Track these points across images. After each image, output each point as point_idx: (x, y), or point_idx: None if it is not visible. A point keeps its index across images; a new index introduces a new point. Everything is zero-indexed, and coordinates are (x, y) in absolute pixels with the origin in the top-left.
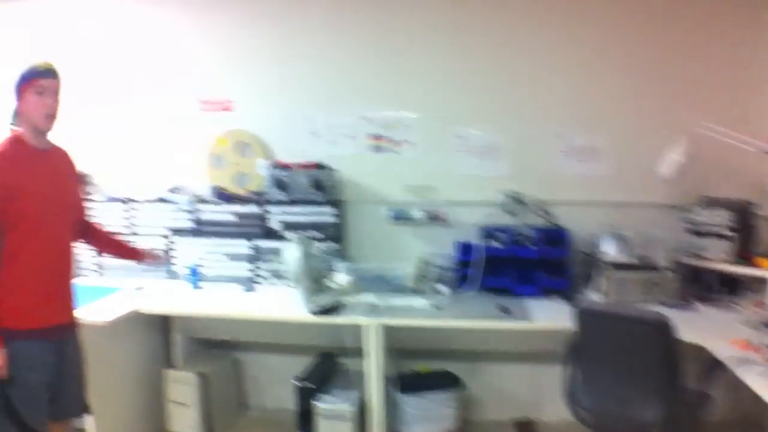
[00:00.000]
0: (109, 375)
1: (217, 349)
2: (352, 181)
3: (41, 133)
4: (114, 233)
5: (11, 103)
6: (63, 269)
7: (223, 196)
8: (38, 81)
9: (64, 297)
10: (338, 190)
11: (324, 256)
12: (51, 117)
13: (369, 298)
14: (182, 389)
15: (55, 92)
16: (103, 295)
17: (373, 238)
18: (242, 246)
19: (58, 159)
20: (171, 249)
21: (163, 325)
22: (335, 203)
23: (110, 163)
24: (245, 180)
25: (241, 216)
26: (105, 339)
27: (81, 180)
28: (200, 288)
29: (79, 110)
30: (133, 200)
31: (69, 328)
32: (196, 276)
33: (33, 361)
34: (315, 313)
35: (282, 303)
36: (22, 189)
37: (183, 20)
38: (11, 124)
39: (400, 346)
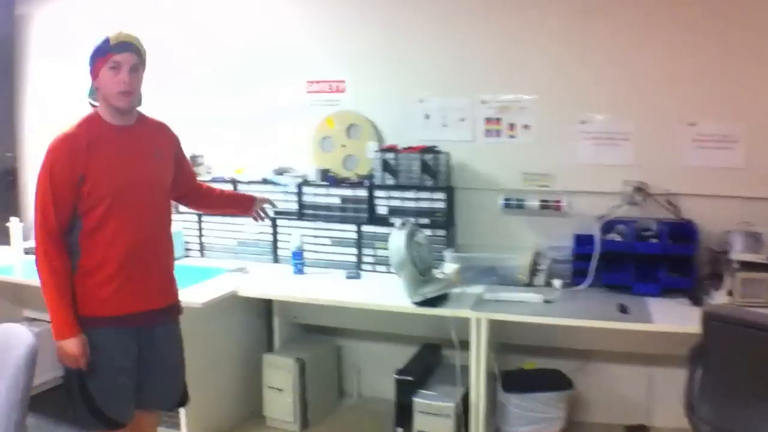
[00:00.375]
0: (205, 358)
1: (318, 334)
2: (464, 166)
3: (118, 110)
4: (221, 189)
5: (88, 78)
6: (149, 252)
7: (330, 179)
8: (112, 56)
9: (151, 281)
10: (448, 175)
11: (431, 245)
12: (126, 94)
13: (476, 289)
14: (279, 374)
15: (133, 68)
16: (205, 276)
17: (484, 227)
18: (347, 231)
19: (146, 134)
20: (274, 233)
21: (263, 308)
22: (445, 189)
23: (218, 144)
24: (353, 163)
25: (346, 200)
26: (201, 321)
27: (179, 150)
28: (303, 273)
29: (187, 91)
30: (238, 181)
31: (159, 314)
32: (299, 260)
33: (112, 350)
34: (418, 303)
35: (385, 291)
36: (93, 170)
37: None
38: (89, 99)
39: (507, 340)
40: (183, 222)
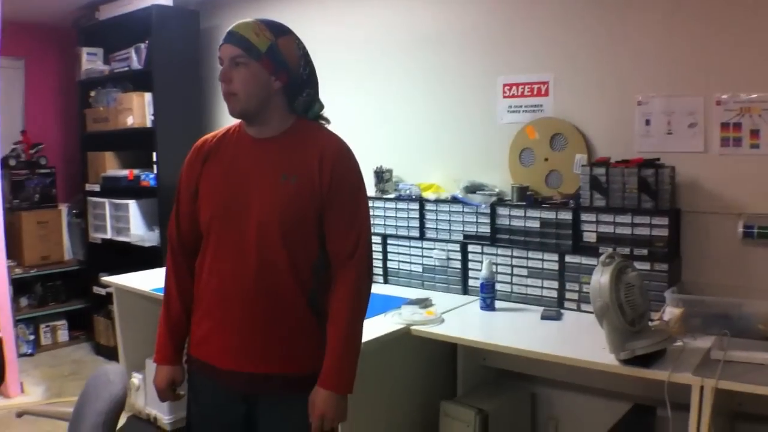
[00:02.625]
0: (370, 403)
1: (511, 379)
2: (693, 184)
3: (247, 116)
4: (338, 329)
5: None
6: (253, 304)
7: (528, 199)
8: (219, 49)
9: (244, 335)
10: (673, 195)
11: (645, 284)
12: (228, 97)
13: (703, 343)
14: (457, 427)
15: (232, 62)
16: (383, 308)
17: (718, 261)
18: (547, 261)
19: (286, 149)
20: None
21: (446, 347)
22: (668, 212)
23: (402, 157)
24: (557, 180)
25: (547, 224)
26: (364, 363)
27: (335, 191)
28: (492, 308)
29: (365, 99)
30: (426, 200)
31: (265, 381)
32: (488, 294)
33: (206, 405)
34: (625, 361)
35: (589, 339)
36: (202, 186)
37: None
38: None
39: (741, 409)
40: None
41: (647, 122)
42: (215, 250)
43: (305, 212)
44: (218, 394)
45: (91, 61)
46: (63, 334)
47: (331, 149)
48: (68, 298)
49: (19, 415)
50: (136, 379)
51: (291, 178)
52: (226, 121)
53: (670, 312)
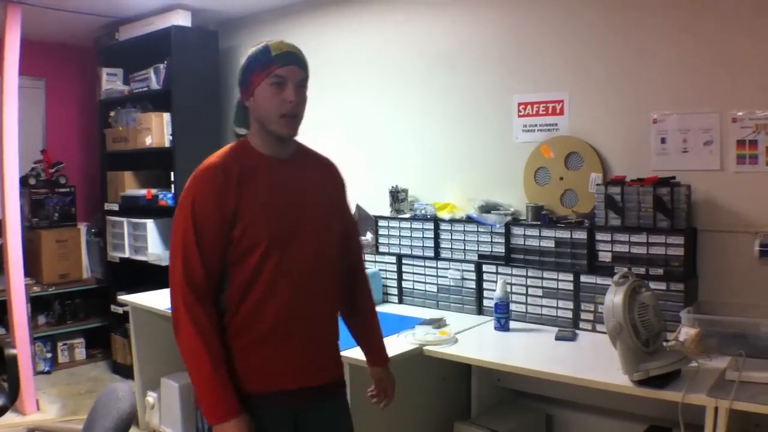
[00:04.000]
0: (382, 424)
1: (526, 400)
2: (709, 202)
3: (278, 138)
4: (375, 318)
5: (238, 100)
6: (315, 313)
7: (543, 218)
8: (275, 68)
9: (313, 350)
10: (689, 213)
11: (659, 304)
12: (291, 119)
13: (719, 363)
14: None
15: (300, 85)
16: (397, 327)
17: (734, 281)
18: (562, 281)
19: (309, 168)
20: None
21: (460, 368)
22: (684, 231)
23: (418, 176)
24: (572, 199)
25: (562, 243)
26: None
27: (345, 202)
28: (507, 329)
29: (379, 119)
30: (441, 220)
31: (320, 393)
32: (502, 314)
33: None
34: (639, 382)
35: (603, 360)
36: (246, 208)
37: (501, 8)
38: (235, 125)
39: (756, 430)
40: (381, 263)
41: (663, 140)
42: (273, 271)
43: (338, 224)
44: (277, 419)
45: (110, 81)
46: (80, 352)
47: (334, 163)
48: (86, 317)
49: (30, 431)
50: (150, 397)
51: (326, 193)
52: None
53: (686, 332)
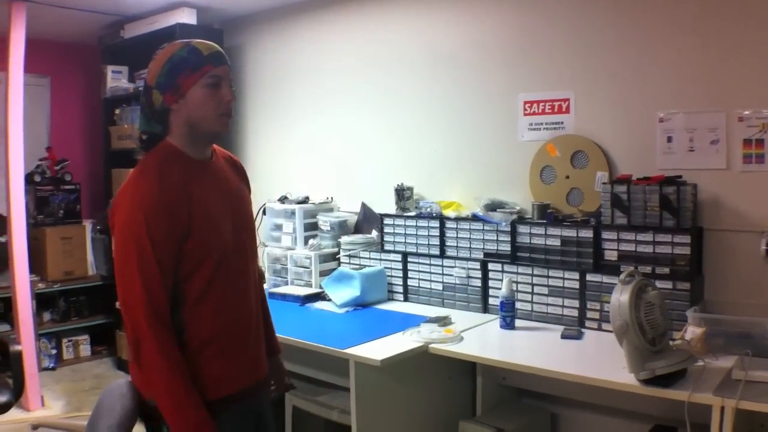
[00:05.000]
0: (386, 421)
1: (531, 399)
2: (715, 202)
3: (212, 138)
4: (266, 311)
5: (153, 102)
6: (255, 313)
7: (548, 217)
8: (210, 69)
9: (258, 348)
10: (695, 213)
11: (666, 303)
12: (227, 118)
13: (725, 362)
14: None
15: (230, 83)
16: (402, 325)
17: (740, 280)
18: (568, 279)
19: (224, 169)
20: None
21: (465, 366)
22: (690, 230)
23: (423, 174)
24: (578, 197)
25: (567, 242)
26: (385, 381)
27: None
28: (512, 327)
29: (388, 117)
30: (446, 218)
31: (265, 385)
32: (508, 312)
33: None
34: (645, 381)
35: (609, 359)
36: (196, 219)
37: (508, 6)
38: (144, 131)
39: (762, 429)
40: (387, 261)
41: (669, 139)
42: (225, 277)
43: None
44: (245, 422)
45: (115, 79)
46: (85, 349)
47: (239, 162)
48: (91, 314)
49: (35, 428)
50: None
51: (242, 193)
52: (246, 139)
53: (692, 331)
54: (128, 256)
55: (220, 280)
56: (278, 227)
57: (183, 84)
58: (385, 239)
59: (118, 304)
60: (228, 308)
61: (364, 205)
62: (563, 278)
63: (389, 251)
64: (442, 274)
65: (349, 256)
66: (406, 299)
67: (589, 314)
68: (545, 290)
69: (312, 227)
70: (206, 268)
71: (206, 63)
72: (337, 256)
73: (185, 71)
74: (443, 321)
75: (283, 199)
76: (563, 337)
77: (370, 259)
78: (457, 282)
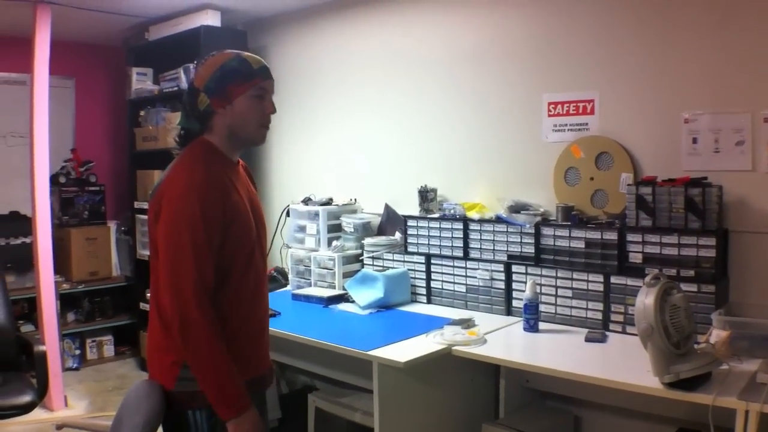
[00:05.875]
0: (409, 424)
1: (555, 401)
2: (741, 203)
3: (249, 145)
4: None
5: (197, 103)
6: (267, 306)
7: (573, 219)
8: (259, 81)
9: (268, 336)
10: (720, 215)
11: (691, 306)
12: (266, 128)
13: (750, 366)
14: None
15: (272, 96)
16: (426, 327)
17: (767, 282)
18: (592, 282)
19: (245, 174)
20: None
21: (489, 368)
22: (715, 232)
23: (447, 176)
24: (603, 199)
25: (592, 244)
26: (408, 382)
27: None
28: (536, 330)
29: (414, 120)
30: (470, 220)
31: (270, 372)
32: (532, 315)
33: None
34: (669, 385)
35: (633, 362)
36: (232, 216)
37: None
38: (187, 125)
39: None
40: (410, 263)
41: (694, 140)
42: (255, 273)
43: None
44: (260, 404)
45: (140, 81)
46: (109, 349)
47: (248, 168)
48: (115, 314)
49: (59, 427)
50: None
51: (255, 196)
52: (270, 141)
53: (717, 334)
54: (181, 236)
55: (252, 271)
56: (302, 229)
57: (233, 92)
58: (408, 241)
59: (148, 295)
60: (255, 298)
61: (387, 207)
62: (587, 281)
63: (413, 253)
64: (466, 276)
65: (373, 257)
66: (429, 301)
67: (614, 317)
68: (569, 293)
69: (335, 229)
70: (241, 257)
71: (256, 75)
72: (361, 258)
73: (236, 80)
74: (467, 323)
75: (306, 201)
76: (587, 339)
77: (393, 260)
78: (481, 284)
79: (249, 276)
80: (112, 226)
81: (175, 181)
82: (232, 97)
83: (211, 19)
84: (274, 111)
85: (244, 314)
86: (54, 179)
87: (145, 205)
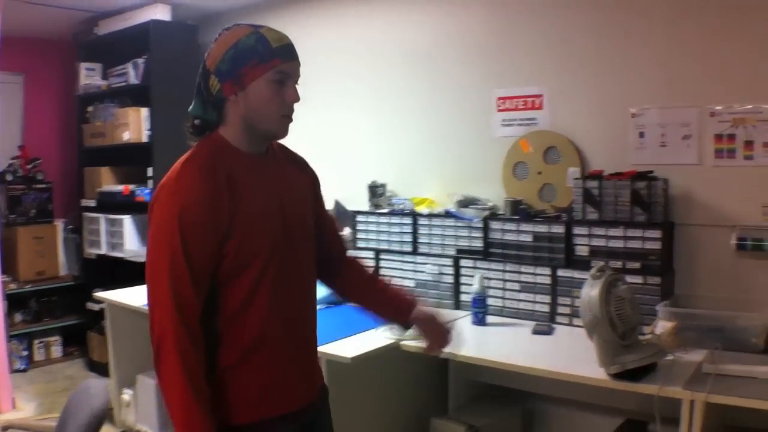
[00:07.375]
0: (357, 419)
1: (504, 395)
2: (686, 197)
3: (262, 138)
4: (381, 277)
5: (210, 89)
6: (307, 323)
7: (521, 213)
8: (279, 63)
9: (310, 363)
10: (666, 208)
11: (636, 298)
12: (289, 118)
13: (695, 356)
14: None
15: (296, 81)
16: (371, 324)
17: (711, 274)
18: (539, 275)
19: (281, 165)
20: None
21: (437, 363)
22: (661, 225)
23: (397, 171)
24: (551, 193)
25: (539, 237)
26: (354, 379)
27: (320, 196)
28: (484, 323)
29: (364, 114)
30: (418, 214)
31: (318, 403)
32: (480, 308)
33: None
34: (615, 375)
35: (580, 353)
36: (238, 221)
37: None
38: (197, 116)
39: (732, 422)
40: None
41: (641, 134)
42: (273, 282)
43: (316, 225)
44: None
45: (89, 76)
46: (57, 350)
47: (303, 160)
48: (63, 314)
49: (5, 429)
50: (126, 395)
51: (303, 193)
52: None
53: (663, 325)
54: (159, 255)
55: (269, 283)
56: None
57: (246, 75)
58: (357, 236)
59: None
60: (276, 316)
61: (337, 203)
62: (535, 274)
63: (362, 248)
64: (415, 271)
65: None
66: None
67: (561, 309)
68: (517, 286)
69: None
70: (252, 272)
71: (275, 56)
72: None
73: (251, 62)
74: None
75: None
76: (534, 332)
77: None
78: (430, 279)
79: (264, 291)
80: (60, 224)
81: (163, 191)
82: (245, 82)
83: (161, 13)
84: (297, 99)
85: (260, 337)
86: (1, 177)
87: (93, 203)
